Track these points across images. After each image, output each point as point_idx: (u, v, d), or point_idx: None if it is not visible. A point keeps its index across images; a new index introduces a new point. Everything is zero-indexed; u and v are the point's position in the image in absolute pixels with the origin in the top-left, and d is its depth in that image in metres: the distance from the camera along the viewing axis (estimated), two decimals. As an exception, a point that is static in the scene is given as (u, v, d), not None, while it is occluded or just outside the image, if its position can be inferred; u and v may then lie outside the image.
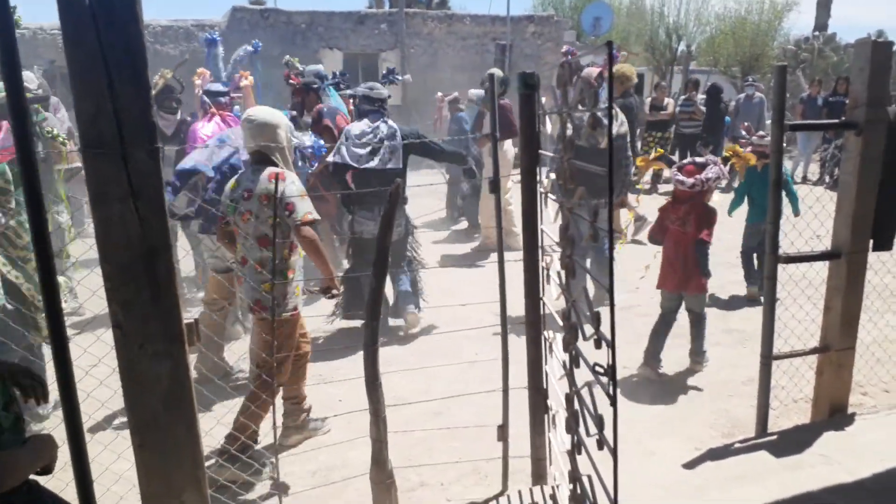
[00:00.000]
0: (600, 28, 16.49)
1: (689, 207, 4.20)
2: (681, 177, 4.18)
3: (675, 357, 4.49)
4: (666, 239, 4.34)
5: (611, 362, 1.66)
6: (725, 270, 6.57)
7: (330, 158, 4.93)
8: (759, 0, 24.10)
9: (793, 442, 3.00)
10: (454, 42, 15.05)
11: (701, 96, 11.37)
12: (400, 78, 6.62)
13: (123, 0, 1.82)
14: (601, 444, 1.81)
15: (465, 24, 15.34)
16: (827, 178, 11.27)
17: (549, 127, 2.57)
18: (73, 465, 1.62)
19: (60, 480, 2.67)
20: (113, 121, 1.86)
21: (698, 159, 4.38)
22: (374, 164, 4.76)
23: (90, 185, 1.91)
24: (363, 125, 4.89)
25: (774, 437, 3.09)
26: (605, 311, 1.77)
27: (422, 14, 15.54)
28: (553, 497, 2.53)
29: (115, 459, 2.58)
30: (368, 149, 4.79)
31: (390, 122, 4.96)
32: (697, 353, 4.31)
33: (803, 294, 3.97)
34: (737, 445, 3.03)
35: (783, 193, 3.12)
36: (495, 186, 2.79)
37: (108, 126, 1.86)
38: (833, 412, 3.25)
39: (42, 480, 2.10)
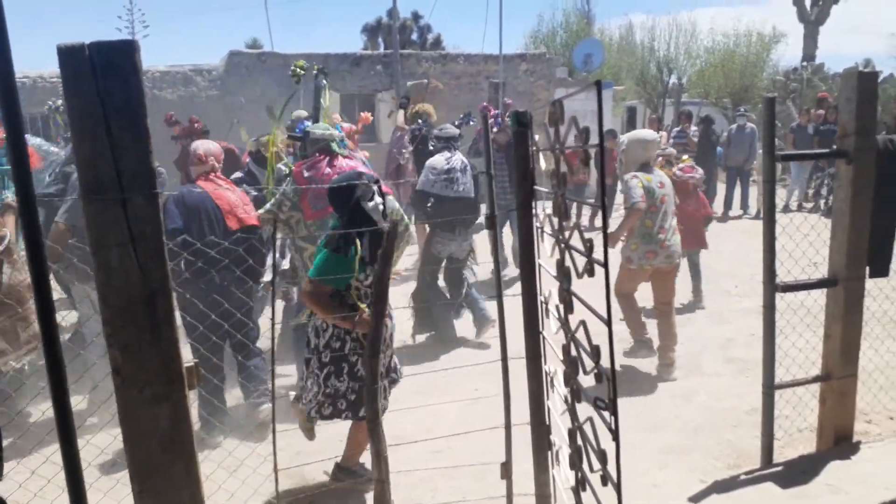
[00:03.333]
0: (592, 64, 16.75)
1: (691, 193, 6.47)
2: (684, 175, 6.51)
3: (673, 387, 4.47)
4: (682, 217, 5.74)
5: (611, 396, 1.66)
6: (723, 298, 6.59)
7: (419, 187, 5.73)
8: (748, 33, 24.57)
9: (799, 472, 2.97)
10: (448, 81, 15.26)
11: (694, 128, 11.51)
12: (474, 121, 7.39)
13: (123, 51, 1.87)
14: (605, 479, 1.80)
15: (459, 64, 15.58)
16: (822, 206, 11.35)
17: (543, 164, 2.60)
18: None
19: (59, 530, 2.64)
20: (112, 167, 1.89)
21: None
22: (461, 192, 5.63)
23: (90, 231, 1.93)
24: (442, 159, 5.71)
25: (780, 467, 3.06)
26: (604, 345, 1.77)
27: (416, 55, 15.79)
28: (558, 535, 2.49)
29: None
30: (448, 178, 5.62)
31: (459, 155, 5.85)
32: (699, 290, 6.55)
33: (802, 322, 3.97)
34: (742, 477, 3.00)
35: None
36: (491, 223, 2.82)
37: (106, 172, 1.89)
38: (838, 441, 3.22)
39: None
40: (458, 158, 5.80)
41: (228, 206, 4.16)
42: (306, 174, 4.42)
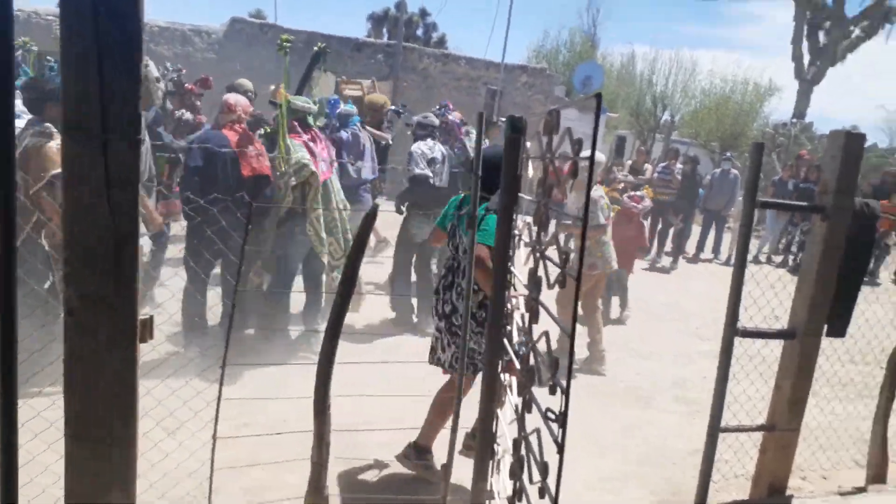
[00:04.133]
0: (590, 86, 16.90)
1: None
2: (630, 203, 7.63)
3: (625, 417, 4.52)
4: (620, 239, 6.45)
5: (563, 409, 1.66)
6: (687, 339, 6.68)
7: (416, 171, 5.88)
8: (745, 81, 25.03)
9: (729, 516, 3.02)
10: (448, 81, 15.28)
11: (679, 166, 11.67)
12: (452, 113, 7.35)
13: (126, -6, 1.83)
14: (542, 491, 1.80)
15: (460, 66, 15.60)
16: (790, 262, 11.57)
17: (531, 171, 2.61)
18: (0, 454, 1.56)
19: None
20: (98, 107, 1.85)
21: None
22: (437, 180, 5.93)
23: (65, 167, 1.88)
24: (425, 147, 5.98)
25: (712, 508, 3.10)
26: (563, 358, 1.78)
27: (419, 50, 15.77)
28: (489, 543, 2.49)
29: (43, 450, 2.49)
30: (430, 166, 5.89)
31: (440, 146, 6.11)
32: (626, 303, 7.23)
33: (756, 370, 4.04)
34: (675, 512, 3.03)
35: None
36: (472, 223, 2.81)
37: (91, 110, 1.85)
38: (772, 492, 3.27)
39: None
40: (439, 148, 6.11)
41: (245, 154, 4.64)
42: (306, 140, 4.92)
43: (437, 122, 6.33)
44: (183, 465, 2.89)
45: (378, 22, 32.14)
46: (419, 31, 32.13)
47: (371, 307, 6.06)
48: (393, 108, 7.85)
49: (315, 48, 5.83)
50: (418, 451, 3.40)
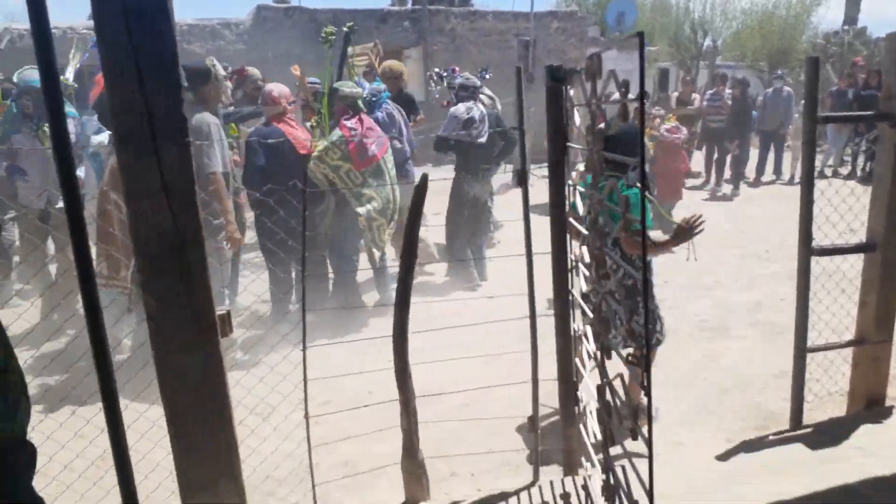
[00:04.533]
0: (624, 24, 16.35)
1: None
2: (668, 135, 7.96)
3: (700, 349, 4.45)
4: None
5: (644, 351, 1.65)
6: (755, 263, 6.50)
7: (440, 133, 6.10)
8: (787, -6, 23.75)
9: (828, 435, 2.95)
10: (477, 39, 15.03)
11: (728, 91, 11.23)
12: (489, 74, 7.73)
13: (156, 1, 1.86)
14: (635, 434, 1.80)
15: (488, 21, 15.30)
16: (859, 172, 11.07)
17: (578, 119, 2.55)
18: (113, 454, 1.65)
19: (99, 468, 2.74)
20: (144, 116, 1.89)
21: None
22: (479, 139, 6.04)
23: (124, 180, 1.94)
24: (463, 109, 6.06)
25: (809, 429, 3.04)
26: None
27: (445, 11, 15.52)
28: (585, 487, 2.52)
29: (151, 448, 2.63)
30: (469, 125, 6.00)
31: (481, 106, 6.22)
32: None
33: (837, 287, 3.90)
34: (770, 438, 2.98)
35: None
36: (522, 179, 2.78)
37: (139, 121, 1.89)
38: (870, 405, 3.19)
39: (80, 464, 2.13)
40: (478, 108, 6.19)
41: (301, 145, 4.90)
42: (350, 126, 4.94)
43: (478, 83, 6.45)
44: (280, 447, 3.00)
45: (400, -12, 31.71)
46: (442, -8, 31.56)
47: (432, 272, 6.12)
48: (437, 70, 8.02)
49: (344, 29, 5.81)
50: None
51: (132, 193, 1.93)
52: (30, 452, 1.72)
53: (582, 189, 2.52)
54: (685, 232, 3.11)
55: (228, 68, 7.36)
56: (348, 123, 4.99)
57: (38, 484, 1.78)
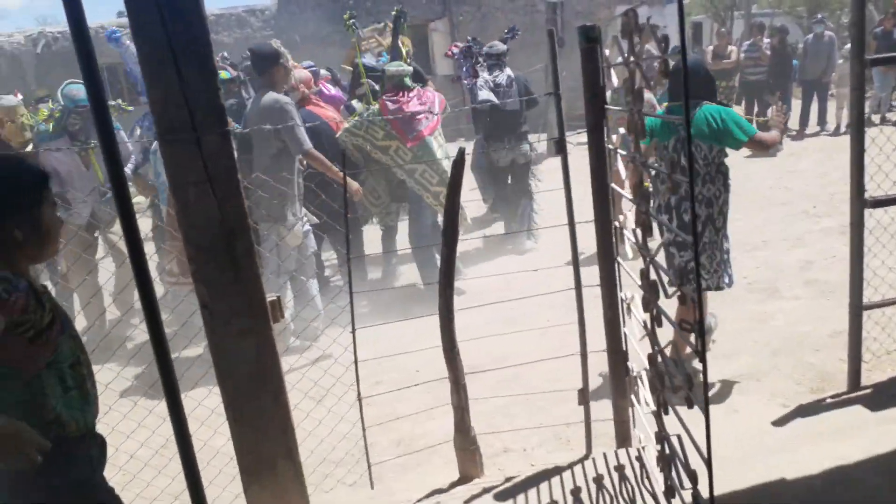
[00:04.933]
0: (654, -23, 15.86)
1: None
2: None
3: (749, 312, 4.36)
4: None
5: (698, 317, 1.61)
6: (800, 220, 6.33)
7: (480, 97, 6.06)
8: (825, -67, 22.72)
9: (889, 395, 2.87)
10: (503, 5, 14.77)
11: (766, 40, 10.84)
12: (519, 32, 7.71)
13: (188, -8, 1.86)
14: (690, 402, 1.77)
15: (514, -14, 15.02)
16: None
17: (615, 80, 2.49)
18: (177, 442, 1.69)
19: (163, 457, 2.82)
20: (184, 108, 1.91)
21: None
22: (507, 105, 6.08)
23: (168, 172, 1.97)
24: (489, 76, 6.19)
25: (868, 390, 2.96)
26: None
27: (469, -20, 15.28)
28: (639, 458, 2.50)
29: (211, 435, 2.70)
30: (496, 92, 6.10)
31: (508, 71, 6.30)
32: None
33: (893, 240, 3.77)
34: (828, 401, 2.92)
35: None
36: (561, 147, 2.74)
37: (179, 113, 1.91)
38: (931, 362, 3.09)
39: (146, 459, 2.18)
40: (505, 74, 6.29)
41: (335, 123, 5.14)
42: (391, 106, 5.02)
43: (504, 48, 6.50)
44: (336, 429, 3.05)
45: (421, -40, 31.33)
46: (464, -40, 31.10)
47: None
48: (470, 40, 8.08)
49: (393, 12, 5.96)
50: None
51: (177, 184, 1.95)
52: (100, 444, 1.78)
53: (623, 153, 2.46)
54: (779, 121, 3.51)
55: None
56: (391, 105, 5.04)
57: (107, 474, 1.84)
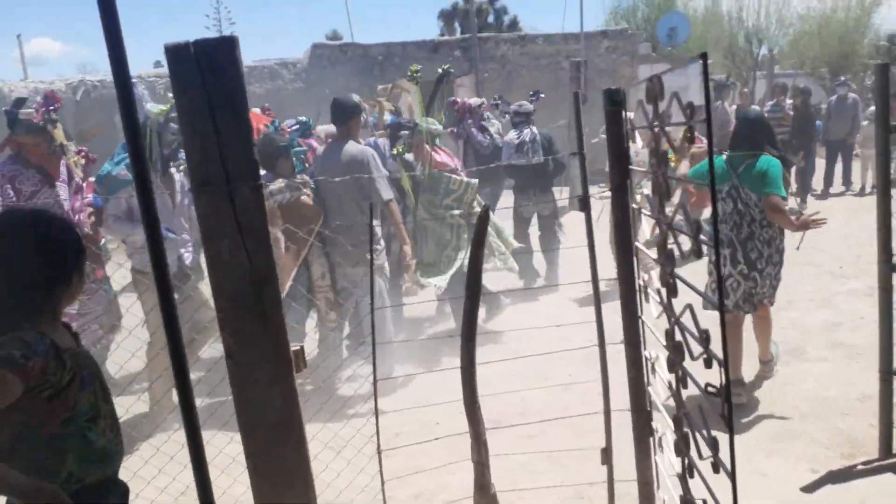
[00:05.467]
0: (677, 38, 16.16)
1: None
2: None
3: (776, 373, 4.28)
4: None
5: (724, 381, 1.60)
6: (827, 281, 6.26)
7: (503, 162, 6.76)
8: (845, -4, 23.00)
9: (921, 463, 2.80)
10: (528, 63, 15.10)
11: (789, 101, 10.93)
12: (542, 95, 8.21)
13: (224, 49, 1.94)
14: (716, 466, 1.74)
15: (538, 45, 15.36)
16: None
17: (640, 142, 2.53)
18: (197, 491, 1.70)
19: (181, 505, 2.81)
20: (218, 161, 1.97)
21: None
22: (531, 160, 6.64)
23: (201, 222, 2.02)
24: (514, 135, 6.82)
25: (900, 457, 2.89)
26: (713, 328, 1.72)
27: (494, 38, 15.67)
28: (663, 522, 2.44)
29: (231, 483, 2.69)
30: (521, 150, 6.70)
31: (533, 128, 6.85)
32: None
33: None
34: (859, 467, 2.84)
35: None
36: (585, 204, 2.77)
37: (214, 166, 1.97)
38: (965, 430, 3.01)
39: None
40: (529, 131, 6.79)
41: None
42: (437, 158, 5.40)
43: (531, 108, 7.02)
44: (354, 481, 3.03)
45: (449, 18, 32.25)
46: (490, 19, 31.95)
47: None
48: (497, 98, 8.49)
49: (439, 70, 6.18)
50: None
51: (209, 235, 2.00)
52: (122, 492, 1.79)
53: (647, 213, 2.48)
54: (805, 223, 3.79)
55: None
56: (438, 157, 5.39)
57: (127, 521, 1.84)
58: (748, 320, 4.24)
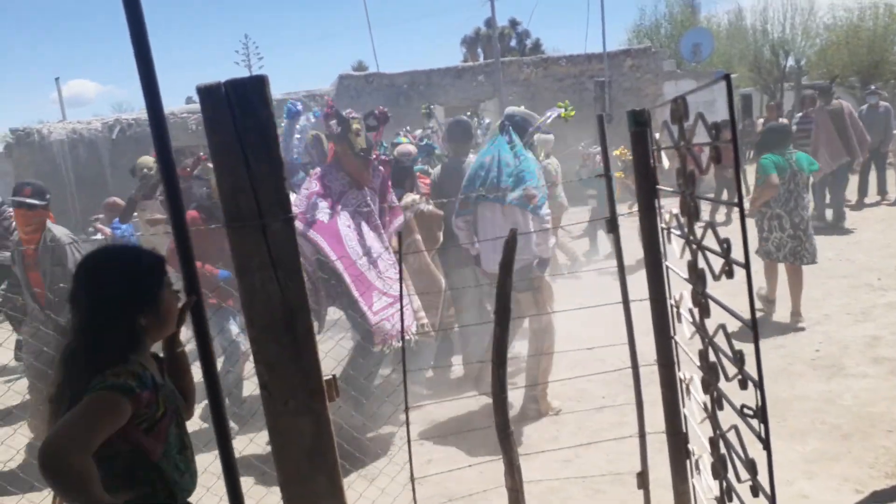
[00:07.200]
0: (701, 54, 16.12)
1: None
2: None
3: (815, 391, 4.19)
4: None
5: (760, 402, 1.58)
6: (867, 293, 6.11)
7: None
8: (873, 4, 22.70)
9: (972, 482, 2.70)
10: (551, 84, 15.14)
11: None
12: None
13: (255, 88, 2.00)
14: (755, 490, 1.71)
15: (561, 66, 15.41)
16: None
17: (666, 163, 2.53)
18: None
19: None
20: (251, 196, 2.01)
21: None
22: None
23: (234, 256, 2.06)
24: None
25: (949, 476, 2.80)
26: (746, 347, 1.70)
27: (517, 61, 15.77)
28: (703, 547, 2.39)
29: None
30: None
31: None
32: None
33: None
34: (905, 487, 2.76)
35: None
36: (613, 226, 2.77)
37: (246, 201, 2.02)
38: None
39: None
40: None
41: None
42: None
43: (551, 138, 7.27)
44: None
45: (471, 44, 32.58)
46: (513, 43, 32.19)
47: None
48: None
49: (423, 111, 6.60)
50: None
51: (243, 269, 2.04)
52: None
53: (677, 232, 2.47)
54: None
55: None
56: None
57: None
58: (783, 280, 5.69)
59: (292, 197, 4.54)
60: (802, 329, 5.40)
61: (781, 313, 5.66)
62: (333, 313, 5.26)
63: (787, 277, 5.62)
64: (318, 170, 4.46)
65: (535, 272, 4.36)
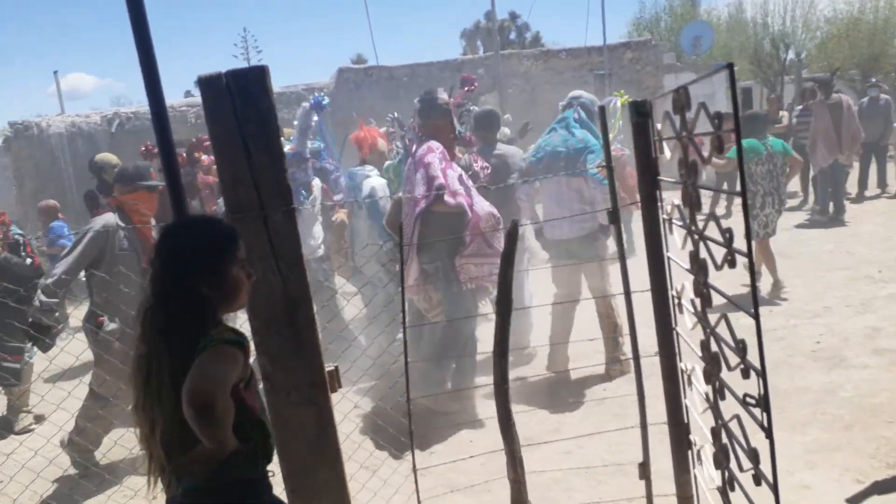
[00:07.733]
0: (701, 47, 16.07)
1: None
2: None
3: (816, 382, 4.20)
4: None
5: (762, 391, 1.58)
6: (868, 285, 6.12)
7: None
8: (874, -3, 22.61)
9: (973, 472, 2.71)
10: (551, 77, 15.09)
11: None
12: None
13: (256, 78, 1.99)
14: (757, 479, 1.72)
15: (561, 59, 15.36)
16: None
17: (668, 153, 2.52)
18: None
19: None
20: (252, 187, 2.01)
21: None
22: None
23: (235, 248, 2.06)
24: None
25: (950, 466, 2.80)
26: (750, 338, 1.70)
27: (517, 54, 15.72)
28: (704, 537, 2.40)
29: None
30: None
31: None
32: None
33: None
34: (906, 477, 2.77)
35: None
36: (614, 217, 2.76)
37: (247, 192, 2.02)
38: None
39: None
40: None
41: None
42: None
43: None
44: (391, 501, 3.03)
45: (471, 37, 32.50)
46: (512, 36, 32.10)
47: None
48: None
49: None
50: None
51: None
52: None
53: (679, 223, 2.47)
54: None
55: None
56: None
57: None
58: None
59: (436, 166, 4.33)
60: (786, 299, 5.90)
61: (784, 307, 5.66)
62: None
63: (758, 251, 6.00)
64: (432, 143, 4.35)
65: (601, 238, 4.58)
